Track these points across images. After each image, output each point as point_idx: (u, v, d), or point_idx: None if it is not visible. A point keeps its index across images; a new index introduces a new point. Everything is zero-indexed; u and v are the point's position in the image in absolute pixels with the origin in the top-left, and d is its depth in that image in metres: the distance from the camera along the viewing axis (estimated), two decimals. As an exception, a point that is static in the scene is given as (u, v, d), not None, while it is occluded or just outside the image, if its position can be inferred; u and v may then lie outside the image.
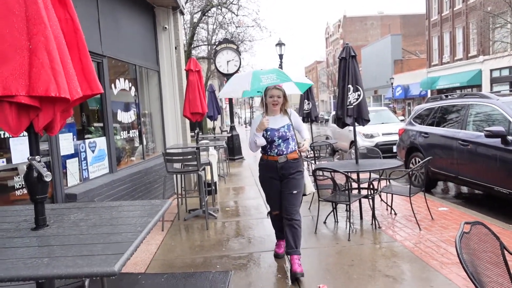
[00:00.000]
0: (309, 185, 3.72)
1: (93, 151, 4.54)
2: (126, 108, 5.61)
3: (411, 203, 4.52)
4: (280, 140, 3.44)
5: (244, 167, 10.88)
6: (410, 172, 4.66)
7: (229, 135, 11.54)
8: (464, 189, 6.98)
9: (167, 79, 7.04)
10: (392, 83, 34.26)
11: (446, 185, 7.40)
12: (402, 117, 13.26)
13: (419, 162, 6.72)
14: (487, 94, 5.48)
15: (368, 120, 5.05)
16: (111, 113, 4.94)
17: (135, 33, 6.05)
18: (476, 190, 6.46)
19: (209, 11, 16.88)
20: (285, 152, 3.44)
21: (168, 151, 5.36)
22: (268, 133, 3.43)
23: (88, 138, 4.55)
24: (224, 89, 4.03)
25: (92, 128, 4.79)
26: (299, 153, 3.50)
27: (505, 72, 24.30)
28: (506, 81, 24.37)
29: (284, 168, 3.45)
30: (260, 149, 3.57)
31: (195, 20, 16.87)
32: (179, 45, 7.19)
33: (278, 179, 3.50)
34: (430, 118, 6.62)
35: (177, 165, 6.03)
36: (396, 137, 9.52)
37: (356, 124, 5.14)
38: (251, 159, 12.59)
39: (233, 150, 11.91)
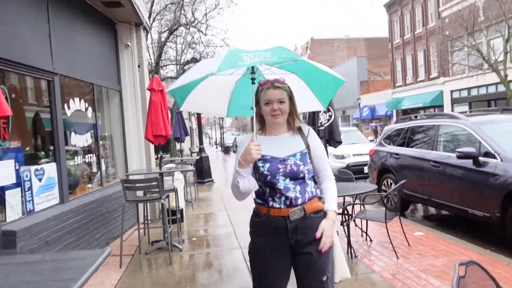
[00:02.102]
0: (342, 264, 2.11)
1: (40, 180, 4.05)
2: (82, 131, 5.15)
3: (387, 229, 4.31)
4: (288, 180, 1.98)
5: (213, 190, 10.46)
6: (384, 196, 4.47)
7: (198, 157, 11.10)
8: (437, 210, 6.92)
9: (129, 99, 6.63)
10: (359, 104, 35.15)
11: (416, 207, 7.33)
12: (371, 137, 13.35)
13: (391, 183, 6.61)
14: (456, 114, 5.47)
15: (340, 142, 4.89)
16: (63, 137, 4.47)
17: (93, 50, 5.65)
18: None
19: (177, 30, 16.64)
20: (300, 201, 1.97)
21: (128, 177, 4.91)
22: (266, 166, 1.99)
23: (35, 164, 4.05)
24: (178, 82, 2.42)
25: (42, 153, 4.30)
26: (321, 200, 2.06)
27: (464, 93, 25.48)
28: (465, 102, 25.53)
29: (301, 231, 1.96)
30: (253, 194, 2.10)
31: (162, 39, 16.56)
32: (143, 63, 6.83)
33: (288, 251, 2.00)
34: (401, 138, 6.56)
35: (140, 192, 5.58)
36: (366, 158, 9.48)
37: (327, 145, 4.96)
38: (222, 182, 12.19)
39: (202, 172, 11.47)
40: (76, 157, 4.95)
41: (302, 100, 2.24)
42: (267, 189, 1.99)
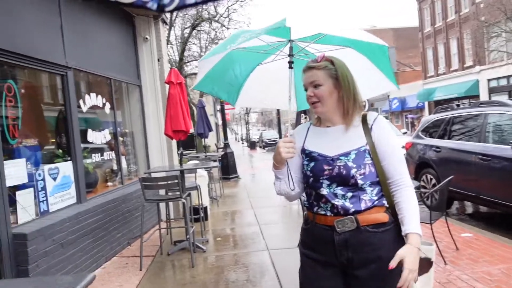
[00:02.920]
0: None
1: (54, 179, 3.84)
2: (100, 127, 4.93)
3: (432, 231, 3.82)
4: (335, 186, 1.56)
5: (239, 187, 10.16)
6: (428, 193, 3.98)
7: (223, 153, 10.83)
8: (483, 208, 6.29)
9: (149, 95, 6.39)
10: (388, 96, 33.90)
11: (463, 204, 6.71)
12: (405, 130, 12.66)
13: (431, 179, 6.05)
14: (506, 101, 4.86)
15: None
16: (79, 134, 4.25)
17: (110, 44, 5.43)
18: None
19: (200, 26, 16.41)
20: (352, 210, 1.53)
21: (146, 176, 4.65)
22: (310, 165, 1.61)
23: (49, 163, 3.85)
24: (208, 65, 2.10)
25: (58, 151, 4.10)
26: (388, 212, 1.57)
27: (503, 82, 23.96)
28: (504, 91, 24.00)
29: (352, 247, 1.54)
30: (304, 197, 1.74)
31: (186, 35, 16.40)
32: (162, 57, 6.58)
33: (339, 270, 1.59)
34: (441, 130, 5.98)
35: (162, 191, 5.32)
36: (400, 151, 8.90)
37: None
38: (248, 178, 11.90)
39: (227, 168, 11.20)
40: (94, 154, 4.74)
41: (366, 81, 1.79)
42: (312, 191, 1.62)
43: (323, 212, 1.58)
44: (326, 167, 1.56)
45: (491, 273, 3.39)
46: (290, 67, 1.86)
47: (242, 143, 42.51)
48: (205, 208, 6.19)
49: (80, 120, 4.39)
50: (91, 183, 4.69)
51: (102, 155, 4.94)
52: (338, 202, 1.54)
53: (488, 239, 4.27)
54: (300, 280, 1.69)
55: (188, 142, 13.87)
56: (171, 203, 5.80)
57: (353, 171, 1.52)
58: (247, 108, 39.53)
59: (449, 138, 5.72)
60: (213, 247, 4.87)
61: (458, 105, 5.99)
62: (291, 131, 1.75)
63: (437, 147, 5.86)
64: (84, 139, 4.51)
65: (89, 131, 4.62)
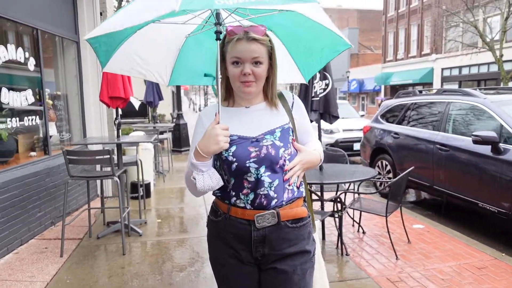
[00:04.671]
0: (323, 282, 1.63)
1: (-51, 147, 3.10)
2: (19, 87, 4.14)
3: (387, 224, 3.60)
4: (263, 169, 1.38)
5: (189, 161, 9.59)
6: (382, 182, 3.73)
7: (173, 124, 10.16)
8: (434, 199, 6.29)
9: (89, 53, 5.56)
10: (348, 77, 34.24)
11: (413, 192, 6.70)
12: (362, 113, 12.66)
13: (386, 165, 5.91)
14: (471, 91, 4.70)
15: (337, 117, 4.05)
16: (-14, 93, 3.48)
17: (39, -13, 4.54)
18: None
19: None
20: (274, 202, 1.39)
21: (71, 148, 3.99)
22: (232, 150, 1.39)
23: None
24: (105, 27, 1.57)
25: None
26: (305, 203, 1.52)
27: (455, 72, 24.91)
28: (455, 80, 25.02)
29: (268, 242, 1.41)
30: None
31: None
32: (106, 10, 5.73)
33: (253, 263, 1.46)
34: (401, 115, 5.79)
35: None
36: (357, 134, 8.78)
37: (321, 120, 4.14)
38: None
39: (179, 140, 10.56)
40: (10, 119, 3.98)
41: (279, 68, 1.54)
42: (232, 179, 1.40)
43: (241, 205, 1.40)
44: (252, 149, 1.38)
45: (443, 272, 3.22)
46: (218, 38, 1.44)
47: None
48: (147, 185, 5.64)
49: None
50: (5, 152, 3.96)
51: (22, 120, 4.18)
52: (263, 191, 1.38)
53: (440, 232, 4.16)
54: (216, 278, 1.54)
55: (141, 111, 12.96)
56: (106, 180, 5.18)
57: (281, 151, 1.39)
58: (206, 78, 38.27)
59: (409, 125, 5.55)
60: (152, 230, 4.38)
61: (420, 91, 5.80)
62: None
63: (396, 133, 5.68)
64: (-5, 100, 3.73)
65: (4, 91, 3.83)
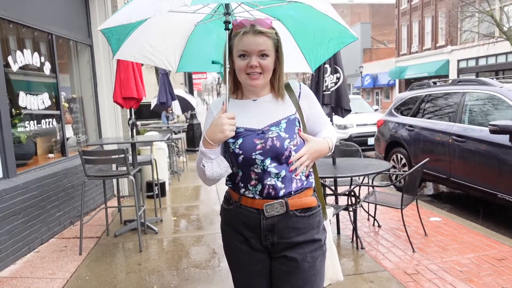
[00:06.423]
0: (334, 263, 1.64)
1: (-29, 150, 3.21)
2: (36, 91, 4.26)
3: (402, 217, 3.55)
4: (269, 161, 1.40)
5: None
6: (396, 174, 3.69)
7: (187, 124, 10.25)
8: (452, 191, 6.18)
9: (102, 56, 5.68)
10: (361, 72, 33.86)
11: (430, 186, 6.59)
12: (376, 107, 12.51)
13: (401, 159, 5.83)
14: (487, 80, 4.59)
15: (349, 111, 4.03)
16: (6, 97, 3.59)
17: (52, -8, 4.65)
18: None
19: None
20: (282, 192, 1.41)
21: (87, 149, 4.08)
22: (238, 142, 1.41)
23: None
24: (118, 17, 1.54)
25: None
26: (315, 193, 1.52)
27: (472, 63, 24.34)
28: (472, 72, 24.43)
29: (277, 230, 1.44)
30: (226, 178, 1.51)
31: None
32: (117, 13, 5.82)
33: (263, 250, 1.48)
34: (416, 108, 5.70)
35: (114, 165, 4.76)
36: (371, 129, 8.69)
37: (333, 114, 4.12)
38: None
39: (193, 140, 10.65)
40: (28, 122, 4.09)
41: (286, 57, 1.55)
42: (239, 171, 1.45)
43: (250, 195, 1.44)
44: (257, 141, 1.41)
45: (461, 264, 3.17)
46: (227, 28, 1.47)
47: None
48: (163, 184, 5.71)
49: (10, 81, 3.71)
50: (24, 154, 4.07)
51: (39, 123, 4.29)
52: (270, 181, 1.40)
53: (457, 224, 4.08)
54: (230, 265, 1.58)
55: (155, 112, 13.09)
56: (125, 179, 5.27)
57: (286, 142, 1.40)
58: (219, 78, 38.43)
59: (423, 117, 5.46)
60: (167, 228, 4.44)
61: (435, 83, 5.70)
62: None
63: (410, 126, 5.59)
64: (14, 104, 3.85)
65: (22, 95, 3.95)
